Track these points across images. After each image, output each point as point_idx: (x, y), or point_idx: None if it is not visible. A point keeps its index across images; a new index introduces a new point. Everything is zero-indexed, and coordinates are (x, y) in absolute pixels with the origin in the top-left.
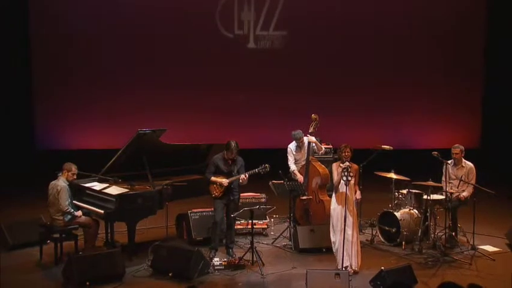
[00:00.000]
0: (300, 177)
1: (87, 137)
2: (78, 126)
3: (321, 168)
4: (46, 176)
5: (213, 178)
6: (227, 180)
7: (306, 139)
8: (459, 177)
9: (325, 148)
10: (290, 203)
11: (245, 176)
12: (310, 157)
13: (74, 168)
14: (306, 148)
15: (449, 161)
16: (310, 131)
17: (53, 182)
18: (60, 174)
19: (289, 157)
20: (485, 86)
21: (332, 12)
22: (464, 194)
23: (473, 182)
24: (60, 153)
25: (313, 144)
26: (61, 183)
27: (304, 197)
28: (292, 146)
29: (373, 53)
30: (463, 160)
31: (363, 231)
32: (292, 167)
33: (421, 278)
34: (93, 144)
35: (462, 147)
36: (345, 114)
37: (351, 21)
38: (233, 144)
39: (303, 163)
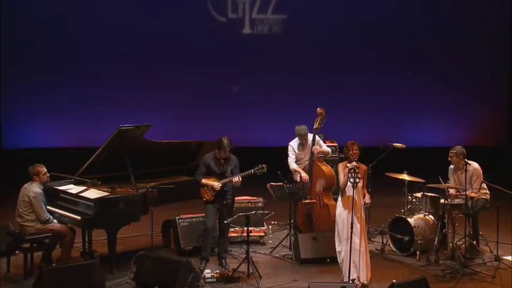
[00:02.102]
0: (304, 176)
1: (61, 133)
2: (50, 121)
3: (327, 168)
4: (14, 177)
5: (203, 180)
6: (219, 183)
7: (309, 136)
8: (462, 184)
9: (329, 146)
10: (290, 208)
11: (239, 177)
12: (314, 156)
13: (41, 169)
14: (310, 145)
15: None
16: (315, 126)
17: (25, 185)
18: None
19: (290, 155)
20: None
21: None
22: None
23: (475, 186)
24: (29, 152)
25: (318, 139)
26: (34, 189)
27: (307, 201)
28: (294, 143)
29: (384, 38)
30: (467, 162)
31: (372, 239)
32: (293, 165)
33: None
34: (67, 141)
35: (460, 150)
36: (352, 108)
37: (359, 5)
38: (225, 141)
39: (306, 163)
